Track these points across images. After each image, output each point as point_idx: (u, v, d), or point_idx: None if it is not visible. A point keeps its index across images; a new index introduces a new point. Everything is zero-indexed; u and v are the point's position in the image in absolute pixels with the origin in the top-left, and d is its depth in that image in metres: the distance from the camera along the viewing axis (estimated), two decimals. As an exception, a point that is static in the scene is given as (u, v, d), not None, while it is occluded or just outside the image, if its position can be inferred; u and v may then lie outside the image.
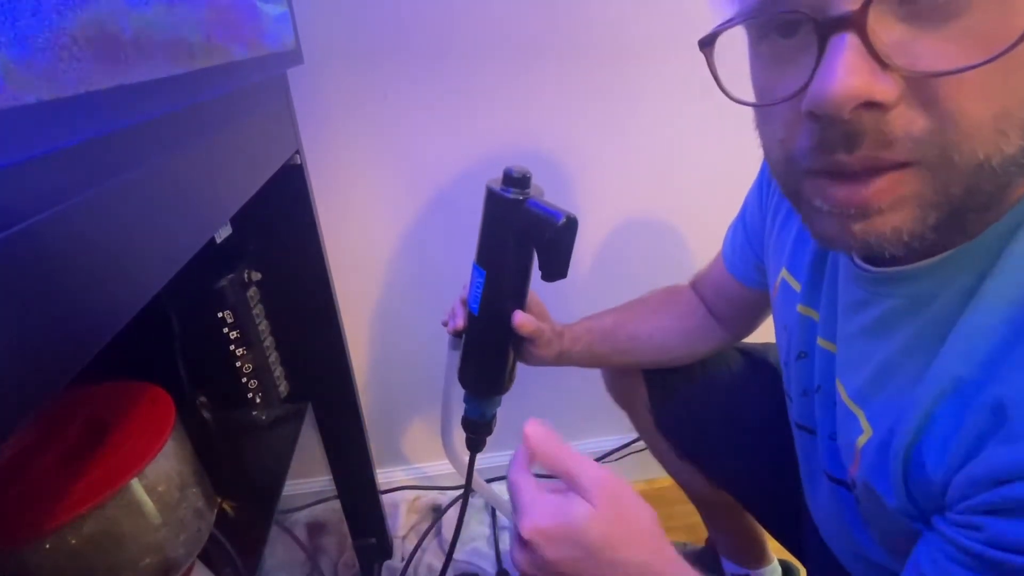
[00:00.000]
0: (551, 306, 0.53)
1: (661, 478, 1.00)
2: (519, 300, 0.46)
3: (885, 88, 0.23)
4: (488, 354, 0.48)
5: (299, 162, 0.58)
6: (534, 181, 0.42)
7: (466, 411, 0.51)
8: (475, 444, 0.51)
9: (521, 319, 0.45)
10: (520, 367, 0.51)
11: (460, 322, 0.47)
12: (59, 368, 0.18)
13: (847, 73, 0.22)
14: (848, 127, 0.24)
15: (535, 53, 0.70)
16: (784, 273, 0.44)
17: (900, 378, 0.31)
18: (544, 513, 0.31)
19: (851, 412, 0.35)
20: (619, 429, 0.97)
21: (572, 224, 0.39)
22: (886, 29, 0.23)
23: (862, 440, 0.34)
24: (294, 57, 0.55)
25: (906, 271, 0.31)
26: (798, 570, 0.76)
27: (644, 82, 0.73)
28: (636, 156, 0.78)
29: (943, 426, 0.27)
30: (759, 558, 0.73)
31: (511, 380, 0.50)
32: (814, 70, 0.24)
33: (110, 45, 0.23)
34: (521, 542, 0.31)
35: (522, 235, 0.41)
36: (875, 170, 0.25)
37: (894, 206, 0.25)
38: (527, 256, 0.43)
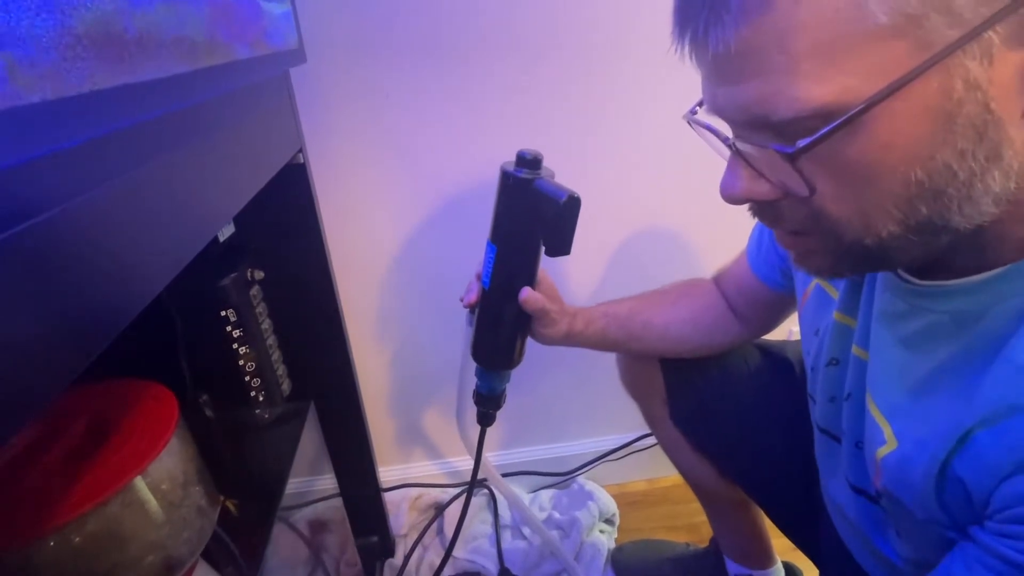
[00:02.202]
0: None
1: (663, 477, 1.01)
2: (528, 277, 0.48)
3: (765, 191, 0.29)
4: (497, 327, 0.50)
5: (302, 161, 0.58)
6: (545, 164, 0.44)
7: (477, 385, 0.53)
8: (485, 418, 0.54)
9: (527, 295, 0.47)
10: (531, 352, 0.52)
11: (474, 296, 0.49)
12: (63, 367, 0.18)
13: (731, 181, 0.30)
14: (754, 208, 0.32)
15: (540, 52, 0.70)
16: (819, 279, 0.44)
17: (937, 395, 0.31)
18: None
19: (876, 423, 0.35)
20: (619, 428, 0.97)
21: (574, 203, 0.41)
22: (751, 151, 0.29)
23: (883, 451, 0.34)
24: (297, 56, 0.55)
25: (950, 286, 0.31)
26: (800, 572, 0.76)
27: (653, 79, 0.73)
28: (646, 154, 0.78)
29: (989, 447, 0.27)
30: (763, 559, 0.73)
31: (520, 356, 0.52)
32: None
33: (114, 44, 0.23)
34: None
35: (529, 212, 0.43)
36: (790, 233, 0.32)
37: (807, 256, 0.32)
38: (534, 233, 0.45)
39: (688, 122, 0.34)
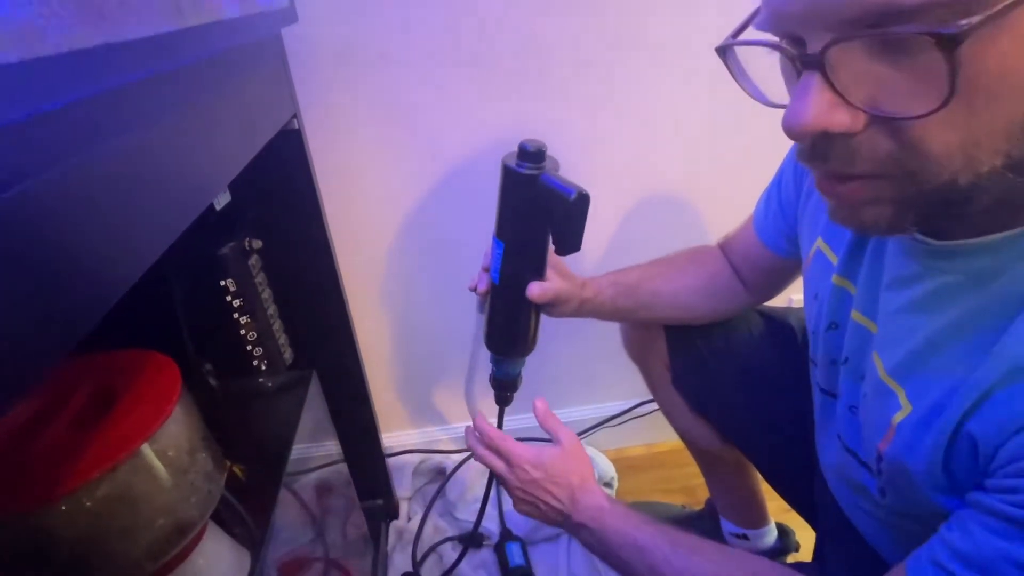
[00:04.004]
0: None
1: (660, 443, 1.03)
2: (537, 270, 0.47)
3: (845, 120, 0.25)
4: (509, 320, 0.50)
5: (296, 126, 0.57)
6: (549, 153, 0.42)
7: (493, 371, 0.54)
8: (503, 400, 0.55)
9: (537, 291, 0.46)
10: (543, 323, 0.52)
11: (484, 287, 0.49)
12: (60, 337, 0.18)
13: (806, 108, 0.25)
14: (819, 147, 0.27)
15: (545, 19, 0.67)
16: (820, 243, 0.44)
17: (949, 354, 0.31)
18: (526, 451, 0.51)
19: (889, 388, 0.35)
20: (619, 395, 0.99)
21: (583, 200, 0.39)
22: (852, 65, 0.24)
23: (899, 417, 0.33)
24: (288, 15, 0.53)
25: (968, 245, 0.29)
26: (793, 532, 0.78)
27: (656, 60, 0.71)
28: (652, 117, 0.76)
29: (1008, 405, 0.27)
30: (757, 519, 0.76)
31: (534, 342, 0.52)
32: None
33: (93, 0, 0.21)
34: (512, 466, 0.51)
35: (536, 209, 0.42)
36: (844, 178, 0.28)
37: (865, 204, 0.28)
38: (542, 229, 0.43)
39: (724, 51, 0.29)
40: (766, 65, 0.29)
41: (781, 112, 0.31)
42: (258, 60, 0.47)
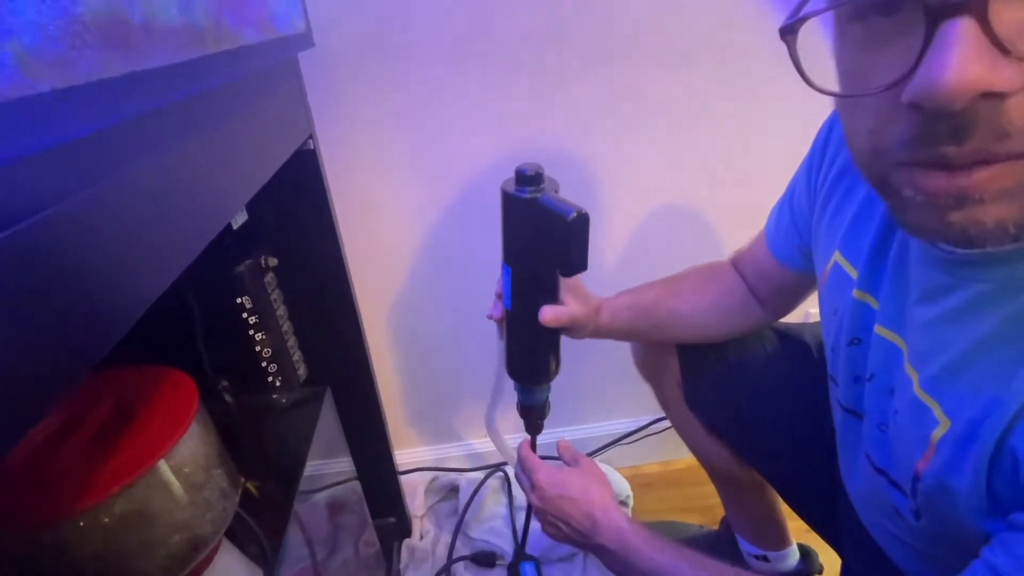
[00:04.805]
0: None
1: (677, 460, 1.01)
2: (548, 294, 0.46)
3: (1007, 77, 0.21)
4: (527, 347, 0.49)
5: (312, 147, 0.58)
6: (547, 174, 0.42)
7: (519, 399, 0.53)
8: (533, 428, 0.55)
9: (549, 315, 0.46)
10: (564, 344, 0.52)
11: (499, 313, 0.49)
12: (81, 356, 0.19)
13: (964, 62, 0.20)
14: (959, 119, 0.22)
15: (557, 36, 0.69)
16: (837, 257, 0.43)
17: (985, 366, 0.29)
18: (549, 472, 0.54)
19: (923, 404, 0.33)
20: (634, 412, 0.97)
21: (582, 220, 0.39)
22: (1011, 8, 0.20)
23: (938, 433, 0.32)
24: (305, 40, 0.55)
25: (999, 253, 0.28)
26: (816, 554, 0.76)
27: (666, 73, 0.71)
28: (658, 145, 0.76)
29: None
30: (778, 540, 0.73)
31: (557, 367, 0.51)
32: (920, 57, 0.21)
33: (120, 31, 0.22)
34: (534, 487, 0.54)
35: (538, 232, 0.42)
36: (983, 162, 0.23)
37: (998, 197, 0.23)
38: (547, 252, 0.43)
39: (792, 28, 0.25)
40: (808, 52, 0.26)
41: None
42: (276, 84, 0.49)
